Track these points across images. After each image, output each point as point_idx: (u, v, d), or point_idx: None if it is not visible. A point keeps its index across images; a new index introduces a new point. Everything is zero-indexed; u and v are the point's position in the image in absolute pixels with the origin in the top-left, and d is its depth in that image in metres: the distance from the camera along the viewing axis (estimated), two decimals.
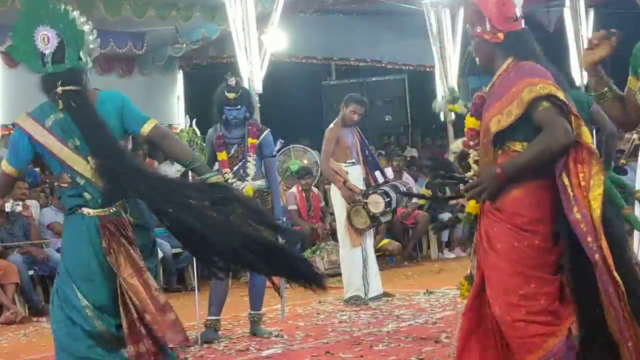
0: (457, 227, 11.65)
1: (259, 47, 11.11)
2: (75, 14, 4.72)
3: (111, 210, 4.61)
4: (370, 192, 8.89)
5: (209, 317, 7.43)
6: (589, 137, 3.99)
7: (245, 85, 11.10)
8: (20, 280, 9.66)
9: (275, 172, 7.65)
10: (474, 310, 4.20)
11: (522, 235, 4.01)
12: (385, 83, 17.29)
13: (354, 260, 8.97)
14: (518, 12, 4.21)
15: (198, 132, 7.39)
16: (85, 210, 4.62)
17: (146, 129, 4.75)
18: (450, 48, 13.35)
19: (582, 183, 3.92)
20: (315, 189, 12.32)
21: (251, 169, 7.37)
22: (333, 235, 11.37)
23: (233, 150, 7.40)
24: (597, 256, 3.81)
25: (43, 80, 4.68)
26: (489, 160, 4.12)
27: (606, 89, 3.86)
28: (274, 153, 7.72)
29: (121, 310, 4.54)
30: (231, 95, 7.33)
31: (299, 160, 12.50)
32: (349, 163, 8.95)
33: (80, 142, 4.60)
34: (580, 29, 15.24)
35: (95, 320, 4.64)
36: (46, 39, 4.65)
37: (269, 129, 7.58)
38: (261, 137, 7.44)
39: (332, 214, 10.49)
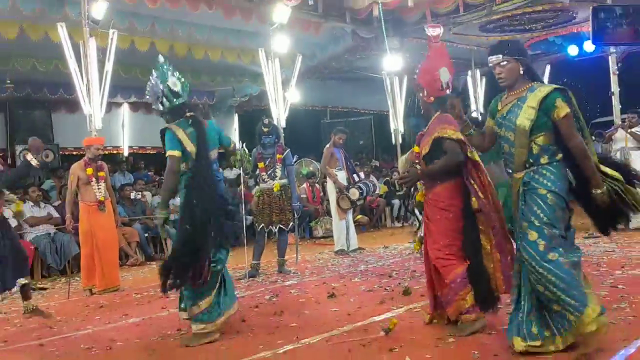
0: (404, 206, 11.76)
1: (283, 100, 11.21)
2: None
3: None
4: (350, 187, 8.96)
5: (253, 262, 7.49)
6: (476, 156, 4.22)
7: (275, 123, 11.19)
8: (139, 239, 9.70)
9: (293, 175, 7.65)
10: (425, 254, 4.42)
11: (443, 212, 4.24)
12: (359, 121, 17.24)
13: (341, 227, 9.07)
14: (445, 84, 4.31)
15: (247, 150, 7.52)
16: None
17: (232, 143, 5.10)
18: (398, 100, 13.35)
19: (479, 180, 4.16)
20: (317, 185, 12.38)
21: (278, 173, 7.41)
22: (328, 213, 11.41)
23: (268, 161, 7.41)
24: (487, 206, 4.10)
25: (174, 109, 4.53)
26: (424, 167, 4.36)
27: (471, 130, 3.99)
28: (293, 163, 7.80)
29: None
30: (266, 130, 7.43)
31: (307, 167, 12.58)
32: (338, 169, 9.05)
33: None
34: (477, 89, 15.27)
35: None
36: (176, 84, 4.51)
37: (289, 149, 7.60)
38: (285, 154, 7.45)
39: (327, 200, 10.55)
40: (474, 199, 4.12)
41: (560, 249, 3.41)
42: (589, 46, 13.23)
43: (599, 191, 3.47)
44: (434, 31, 6.86)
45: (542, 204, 3.46)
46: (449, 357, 3.65)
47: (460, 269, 4.12)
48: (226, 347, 4.25)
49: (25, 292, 5.57)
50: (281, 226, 7.40)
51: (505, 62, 3.58)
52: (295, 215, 7.61)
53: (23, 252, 5.68)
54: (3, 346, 4.65)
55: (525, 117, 3.50)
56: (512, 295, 3.76)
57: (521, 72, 3.59)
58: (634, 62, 14.25)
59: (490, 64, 3.66)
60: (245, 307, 5.56)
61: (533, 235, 3.43)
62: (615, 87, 10.48)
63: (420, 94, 4.45)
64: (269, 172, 7.42)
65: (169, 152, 4.42)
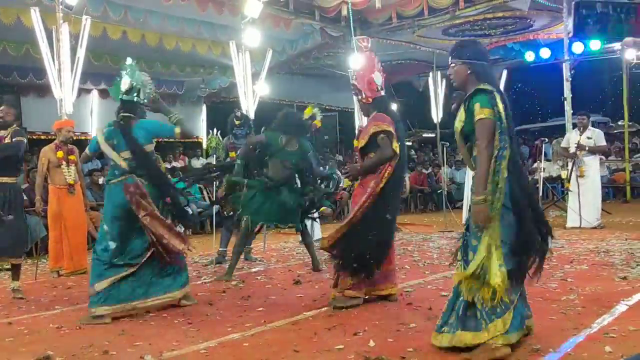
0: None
1: (252, 93, 11.17)
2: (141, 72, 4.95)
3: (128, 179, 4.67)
4: None
5: (220, 249, 7.43)
6: (397, 151, 4.64)
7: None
8: None
9: None
10: None
11: (368, 194, 4.57)
12: (326, 117, 17.29)
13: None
14: (379, 86, 4.79)
15: (221, 139, 7.50)
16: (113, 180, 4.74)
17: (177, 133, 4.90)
18: None
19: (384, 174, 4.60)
20: None
21: None
22: None
23: (239, 151, 7.45)
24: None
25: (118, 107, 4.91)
26: (360, 158, 4.83)
27: None
28: None
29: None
30: (238, 122, 7.43)
31: None
32: None
33: (118, 142, 4.75)
34: (437, 90, 15.46)
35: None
36: (125, 83, 4.80)
37: None
38: None
39: None
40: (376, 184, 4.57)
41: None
42: (544, 53, 13.55)
43: (475, 198, 3.28)
44: (364, 42, 6.97)
45: None
46: (410, 340, 3.70)
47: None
48: (196, 329, 4.23)
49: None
50: None
51: (453, 65, 3.54)
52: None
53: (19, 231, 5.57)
54: None
55: (458, 120, 3.48)
56: None
57: (468, 75, 3.49)
58: (585, 69, 14.66)
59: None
60: (212, 291, 5.59)
61: (473, 242, 3.36)
62: (567, 93, 10.74)
63: (360, 97, 4.85)
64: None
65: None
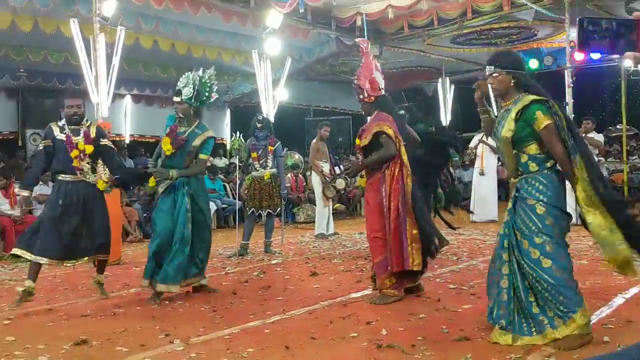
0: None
1: (272, 98, 11.20)
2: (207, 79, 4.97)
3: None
4: (337, 177, 9.09)
5: (242, 242, 7.48)
6: (404, 153, 4.53)
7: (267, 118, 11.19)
8: (138, 218, 9.61)
9: (282, 165, 7.70)
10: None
11: (379, 196, 4.52)
12: (339, 120, 17.17)
13: (324, 213, 9.12)
14: (381, 85, 4.66)
15: (243, 140, 7.52)
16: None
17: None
18: None
19: (396, 174, 4.48)
20: (301, 176, 12.40)
21: (269, 163, 7.42)
22: (309, 201, 11.50)
23: (260, 152, 7.41)
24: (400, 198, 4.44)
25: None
26: (363, 157, 4.72)
27: (486, 115, 3.62)
28: (282, 155, 7.83)
29: None
30: (260, 125, 7.46)
31: (292, 159, 12.59)
32: (323, 161, 9.11)
33: None
34: (446, 95, 15.38)
35: None
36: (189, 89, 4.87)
37: (280, 142, 7.61)
38: (276, 146, 7.46)
39: (310, 189, 10.59)
40: (383, 185, 4.48)
41: (554, 256, 3.23)
42: (547, 60, 13.43)
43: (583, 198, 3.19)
44: (364, 43, 6.76)
45: (531, 214, 3.30)
46: (419, 330, 3.70)
47: (378, 258, 4.51)
48: (220, 316, 4.27)
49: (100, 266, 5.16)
50: (270, 211, 7.42)
51: (496, 74, 3.39)
52: (283, 201, 7.64)
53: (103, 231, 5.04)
54: (15, 309, 4.60)
55: (507, 129, 3.35)
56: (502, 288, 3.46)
57: (512, 84, 3.38)
58: (587, 76, 14.49)
59: (486, 74, 3.46)
60: (235, 282, 5.62)
61: (525, 244, 3.29)
62: (569, 98, 10.62)
63: (361, 96, 4.68)
64: (261, 162, 7.42)
65: None
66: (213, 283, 5.56)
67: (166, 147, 4.84)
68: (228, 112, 15.83)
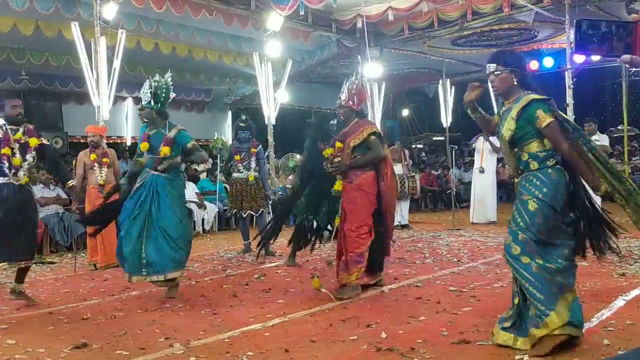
0: None
1: (274, 100, 11.22)
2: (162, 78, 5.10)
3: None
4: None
5: (244, 242, 7.65)
6: (389, 153, 5.06)
7: (265, 121, 11.21)
8: None
9: (264, 168, 7.72)
10: (341, 230, 5.00)
11: (366, 194, 4.87)
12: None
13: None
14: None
15: (224, 140, 7.66)
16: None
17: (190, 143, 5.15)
18: (376, 104, 13.44)
19: (388, 173, 4.92)
20: None
21: (252, 165, 7.52)
22: None
23: (243, 154, 7.51)
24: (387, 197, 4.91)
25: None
26: (346, 158, 4.98)
27: (477, 114, 3.56)
28: (264, 157, 7.87)
29: None
30: (242, 125, 7.56)
31: (294, 160, 12.58)
32: None
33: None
34: (446, 97, 15.37)
35: None
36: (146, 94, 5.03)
37: (261, 145, 7.68)
38: (258, 149, 7.56)
39: None
40: (382, 183, 4.85)
41: (534, 254, 3.17)
42: (548, 62, 13.39)
43: (598, 193, 3.20)
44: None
45: (522, 210, 3.25)
46: (419, 333, 3.68)
47: (361, 249, 4.79)
48: (220, 319, 4.26)
49: (20, 275, 4.96)
50: (251, 212, 7.49)
51: (498, 72, 3.35)
52: (269, 201, 7.70)
53: (32, 235, 4.95)
54: (16, 313, 4.60)
55: (507, 128, 3.33)
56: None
57: (514, 82, 3.34)
58: (587, 77, 14.46)
59: (487, 72, 3.41)
60: (236, 284, 5.60)
61: (508, 239, 3.27)
62: (570, 99, 10.60)
63: (350, 102, 5.02)
64: (244, 164, 7.51)
65: None
66: (214, 285, 5.59)
67: (145, 147, 5.11)
68: (230, 114, 15.90)
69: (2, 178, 4.73)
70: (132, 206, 4.95)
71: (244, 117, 7.78)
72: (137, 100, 13.78)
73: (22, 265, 4.86)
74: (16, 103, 4.91)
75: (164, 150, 4.99)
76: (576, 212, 3.35)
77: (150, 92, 4.98)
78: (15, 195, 4.73)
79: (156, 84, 5.03)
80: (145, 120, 5.09)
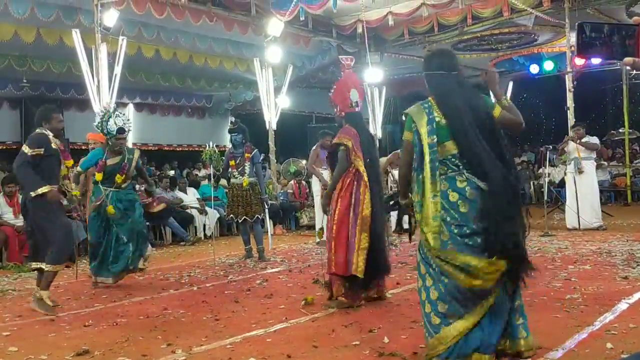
0: None
1: (275, 105, 11.23)
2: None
3: None
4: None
5: (245, 248, 7.65)
6: (361, 165, 4.63)
7: (266, 126, 11.21)
8: None
9: (260, 172, 7.59)
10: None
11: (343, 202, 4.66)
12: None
13: (324, 221, 9.09)
14: (354, 103, 4.82)
15: (216, 150, 7.71)
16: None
17: None
18: (377, 109, 13.47)
19: (347, 183, 4.67)
20: (303, 182, 12.38)
21: (247, 170, 7.39)
22: (313, 206, 11.49)
23: (238, 160, 7.41)
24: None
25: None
26: (330, 168, 5.03)
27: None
28: (260, 161, 7.80)
29: None
30: (232, 127, 7.52)
31: (295, 165, 12.58)
32: (323, 168, 9.07)
33: None
34: None
35: None
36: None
37: (257, 149, 7.56)
38: (252, 153, 7.44)
39: (312, 195, 10.56)
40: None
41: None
42: (548, 65, 13.42)
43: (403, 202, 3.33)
44: (346, 60, 6.89)
45: None
46: (421, 338, 3.66)
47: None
48: (222, 325, 4.25)
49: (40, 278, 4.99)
50: (246, 217, 7.44)
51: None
52: (266, 206, 7.67)
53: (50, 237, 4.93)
54: (19, 320, 4.60)
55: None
56: None
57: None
58: (587, 81, 14.47)
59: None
60: (238, 290, 5.59)
61: None
62: (570, 103, 10.61)
63: (335, 110, 4.93)
64: (239, 170, 7.44)
65: None
66: (215, 291, 5.57)
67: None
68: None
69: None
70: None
71: (232, 119, 7.77)
72: (139, 106, 13.97)
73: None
74: (61, 118, 5.37)
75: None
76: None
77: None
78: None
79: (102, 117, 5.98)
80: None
